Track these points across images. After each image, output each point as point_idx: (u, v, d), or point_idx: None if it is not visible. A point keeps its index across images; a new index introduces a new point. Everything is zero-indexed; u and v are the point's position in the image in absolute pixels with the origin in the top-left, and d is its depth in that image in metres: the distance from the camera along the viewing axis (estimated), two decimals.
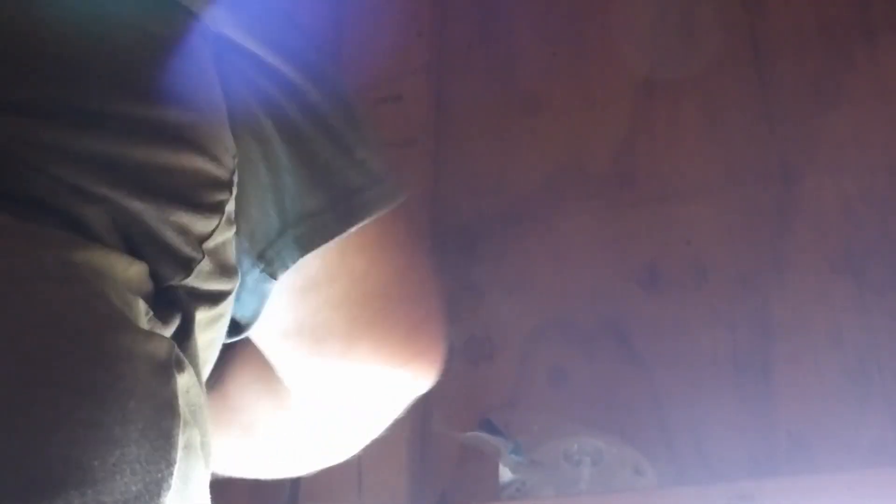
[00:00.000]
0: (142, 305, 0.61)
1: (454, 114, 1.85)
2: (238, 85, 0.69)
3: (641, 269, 1.62)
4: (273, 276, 0.72)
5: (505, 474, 1.45)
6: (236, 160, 0.68)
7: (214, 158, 0.65)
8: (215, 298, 0.66)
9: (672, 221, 1.64)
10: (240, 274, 0.70)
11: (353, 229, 0.72)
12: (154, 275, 0.62)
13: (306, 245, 0.71)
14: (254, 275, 0.71)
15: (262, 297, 0.73)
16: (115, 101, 0.62)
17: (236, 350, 0.84)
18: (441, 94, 1.87)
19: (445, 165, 1.80)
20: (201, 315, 0.65)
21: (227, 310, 0.69)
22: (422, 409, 1.55)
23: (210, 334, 0.68)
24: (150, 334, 0.59)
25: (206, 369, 0.70)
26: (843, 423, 1.43)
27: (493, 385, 1.58)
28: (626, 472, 1.43)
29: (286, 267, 0.72)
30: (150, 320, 0.61)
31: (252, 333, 0.76)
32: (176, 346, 0.60)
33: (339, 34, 1.93)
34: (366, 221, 0.73)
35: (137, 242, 0.62)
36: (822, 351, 1.49)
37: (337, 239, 0.72)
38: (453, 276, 1.69)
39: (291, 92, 0.72)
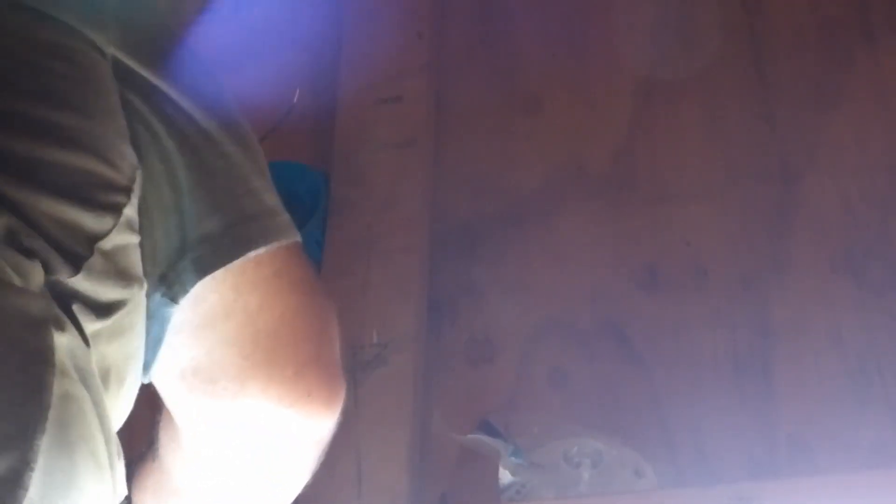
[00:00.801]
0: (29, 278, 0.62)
1: (454, 114, 1.85)
2: (140, 106, 0.73)
3: (641, 269, 1.62)
4: (174, 300, 0.74)
5: (505, 476, 1.45)
6: (139, 172, 0.71)
7: (109, 162, 0.68)
8: (109, 308, 0.68)
9: (672, 222, 1.64)
10: (144, 288, 0.71)
11: (249, 254, 0.74)
12: (44, 266, 0.63)
13: (204, 267, 0.74)
14: (155, 299, 0.73)
15: (163, 324, 0.74)
16: (7, 99, 0.65)
17: (168, 416, 0.86)
18: (441, 94, 1.87)
19: (445, 165, 1.80)
20: (95, 324, 0.66)
21: (130, 325, 0.70)
22: (422, 410, 1.55)
23: (118, 349, 0.69)
24: (24, 291, 0.61)
25: (126, 391, 0.72)
26: (844, 424, 1.43)
27: (492, 386, 1.58)
28: (626, 473, 1.43)
29: (185, 291, 0.73)
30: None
31: (154, 377, 0.78)
32: (56, 306, 0.62)
33: (339, 34, 1.92)
34: (261, 249, 0.75)
35: (23, 234, 0.63)
36: (822, 351, 1.49)
37: (233, 265, 0.74)
38: (453, 276, 1.69)
39: (191, 119, 0.75)
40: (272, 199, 0.78)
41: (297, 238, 0.79)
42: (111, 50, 0.72)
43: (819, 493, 1.32)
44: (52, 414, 0.57)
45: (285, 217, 0.78)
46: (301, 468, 0.87)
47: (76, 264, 0.65)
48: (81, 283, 0.65)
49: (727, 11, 1.77)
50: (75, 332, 0.63)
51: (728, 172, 1.65)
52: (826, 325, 1.50)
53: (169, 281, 0.73)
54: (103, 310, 0.67)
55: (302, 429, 0.82)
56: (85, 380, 0.62)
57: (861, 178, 1.58)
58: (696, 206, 1.64)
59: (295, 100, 1.84)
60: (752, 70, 1.71)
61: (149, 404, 0.83)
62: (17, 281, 0.61)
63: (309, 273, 0.82)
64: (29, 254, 0.62)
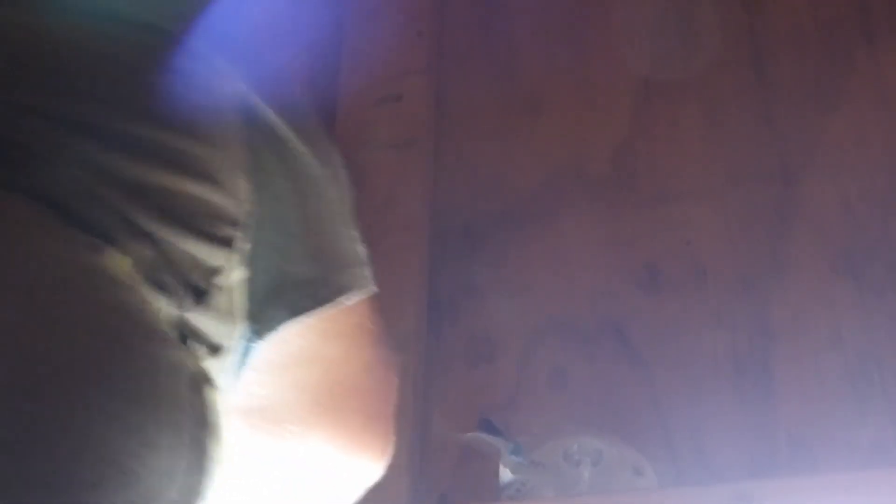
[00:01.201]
0: (172, 319, 0.62)
1: (454, 114, 1.85)
2: (261, 142, 0.73)
3: (641, 269, 1.62)
4: (260, 336, 0.74)
5: (505, 475, 1.45)
6: (251, 207, 0.71)
7: (231, 195, 0.68)
8: (219, 345, 0.68)
9: (672, 222, 1.64)
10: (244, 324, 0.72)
11: (343, 301, 0.76)
12: (174, 303, 0.64)
13: (298, 310, 0.74)
14: (237, 335, 0.73)
15: (244, 357, 0.75)
16: (144, 126, 0.65)
17: None
18: (441, 94, 1.87)
19: (445, 165, 1.80)
20: (211, 364, 0.67)
21: (231, 362, 0.71)
22: (422, 410, 1.55)
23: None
24: (183, 348, 0.61)
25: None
26: (844, 424, 1.43)
27: (493, 386, 1.58)
28: (626, 472, 1.43)
29: (274, 330, 0.74)
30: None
31: None
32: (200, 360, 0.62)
33: (339, 34, 1.93)
34: (352, 299, 0.77)
35: (161, 269, 0.63)
36: (822, 352, 1.49)
37: (325, 312, 0.75)
38: (453, 276, 1.69)
39: (305, 163, 0.76)
40: (361, 247, 0.80)
41: (375, 289, 0.81)
42: (241, 86, 0.73)
43: (819, 493, 1.32)
44: (209, 480, 0.57)
45: (368, 267, 0.80)
46: None
47: (198, 299, 0.65)
48: (200, 319, 0.65)
49: (727, 12, 1.77)
50: (216, 390, 0.63)
51: (728, 173, 1.65)
52: (826, 325, 1.50)
53: (259, 317, 0.73)
54: (215, 347, 0.67)
55: (353, 476, 0.84)
56: (224, 438, 0.62)
57: (861, 179, 1.58)
58: (696, 206, 1.64)
59: None
60: (752, 70, 1.72)
61: None
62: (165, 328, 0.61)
63: (380, 327, 0.84)
64: (162, 289, 0.62)
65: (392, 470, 1.47)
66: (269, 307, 0.73)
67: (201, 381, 0.60)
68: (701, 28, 1.78)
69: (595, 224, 1.68)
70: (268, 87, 0.75)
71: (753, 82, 1.71)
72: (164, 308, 0.62)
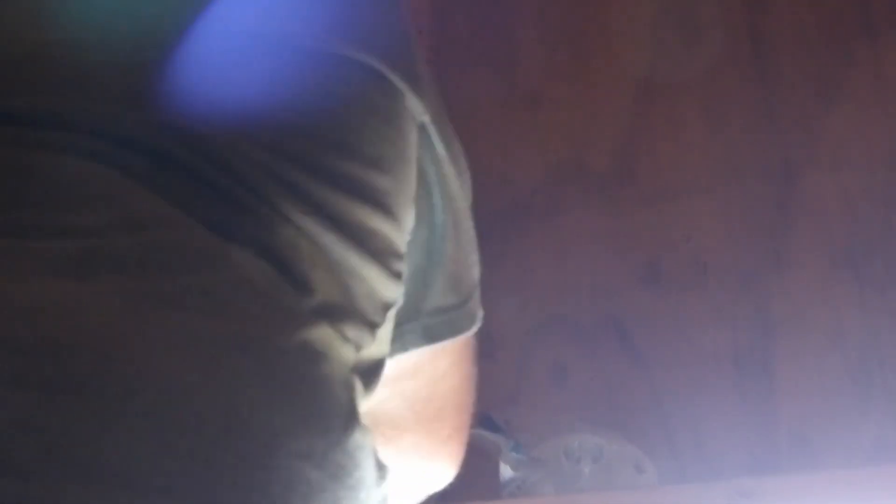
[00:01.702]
0: (358, 385, 0.63)
1: (454, 112, 1.84)
2: (432, 177, 0.75)
3: (642, 266, 1.62)
4: (391, 355, 0.75)
5: (505, 472, 1.45)
6: (411, 239, 0.72)
7: (401, 229, 0.70)
8: (378, 367, 0.69)
9: (673, 218, 1.64)
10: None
11: (473, 329, 0.80)
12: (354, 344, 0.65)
13: (434, 337, 0.77)
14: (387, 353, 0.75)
15: None
16: (341, 158, 0.66)
17: None
18: (441, 90, 1.87)
19: None
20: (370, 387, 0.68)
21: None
22: None
23: None
24: (368, 430, 0.61)
25: None
26: (844, 421, 1.43)
27: (493, 382, 1.58)
28: (627, 469, 1.43)
29: (405, 350, 0.76)
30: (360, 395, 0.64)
31: None
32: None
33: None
34: (478, 323, 0.80)
35: (340, 305, 0.64)
36: (823, 348, 1.49)
37: (456, 338, 0.78)
38: None
39: (459, 197, 0.78)
40: (478, 269, 0.83)
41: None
42: (424, 118, 0.74)
43: (820, 489, 1.31)
44: None
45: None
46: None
47: (373, 334, 0.66)
48: (371, 351, 0.67)
49: (728, 7, 1.77)
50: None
51: (729, 168, 1.65)
52: (827, 321, 1.50)
53: (393, 338, 0.74)
54: (374, 372, 0.69)
55: (429, 480, 0.87)
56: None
57: (862, 174, 1.58)
58: (697, 202, 1.64)
59: None
60: (753, 66, 1.71)
61: None
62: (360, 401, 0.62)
63: (475, 343, 0.86)
64: (348, 339, 0.63)
65: None
66: (405, 330, 0.75)
67: (384, 468, 0.62)
68: (702, 24, 1.78)
69: (596, 220, 1.68)
70: (436, 115, 0.76)
71: (754, 78, 1.71)
72: (348, 358, 0.63)
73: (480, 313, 0.82)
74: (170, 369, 0.52)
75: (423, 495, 0.89)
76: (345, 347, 0.62)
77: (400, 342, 0.75)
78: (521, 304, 1.64)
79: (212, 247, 0.59)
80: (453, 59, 1.90)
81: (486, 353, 1.61)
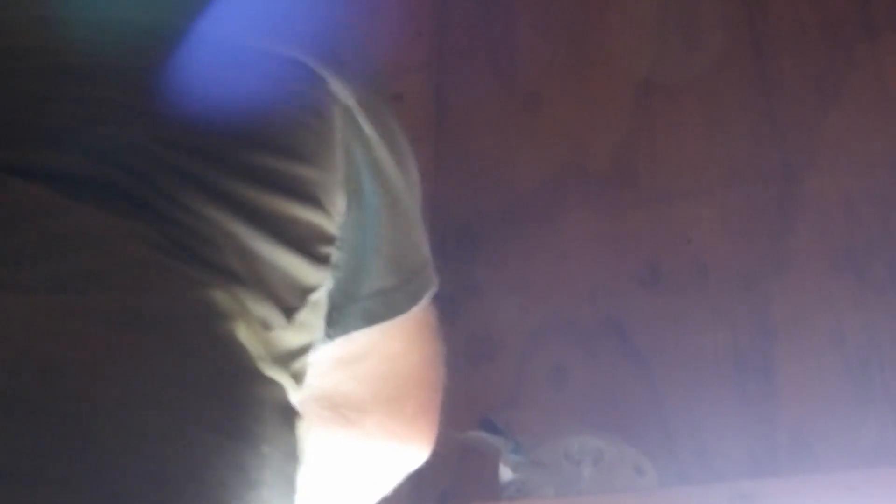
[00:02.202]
0: (264, 349, 0.63)
1: (454, 113, 1.85)
2: (360, 159, 0.75)
3: (642, 267, 1.62)
4: (330, 338, 0.75)
5: (505, 474, 1.45)
6: (344, 223, 0.73)
7: (328, 214, 0.70)
8: (302, 351, 0.69)
9: (673, 220, 1.64)
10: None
11: (415, 309, 0.79)
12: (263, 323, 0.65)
13: (373, 319, 0.77)
14: (319, 338, 0.75)
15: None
16: (258, 153, 0.67)
17: None
18: (441, 93, 1.87)
19: (446, 164, 1.80)
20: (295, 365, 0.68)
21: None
22: None
23: None
24: (274, 381, 0.61)
25: None
26: (845, 423, 1.43)
27: (493, 384, 1.58)
28: (627, 471, 1.43)
29: (346, 333, 0.76)
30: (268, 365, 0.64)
31: None
32: (287, 392, 0.62)
33: (339, 34, 1.92)
34: (423, 302, 0.80)
35: (252, 281, 0.64)
36: (823, 350, 1.49)
37: (398, 319, 0.78)
38: (453, 275, 1.69)
39: (394, 177, 0.77)
40: (427, 247, 0.83)
41: (437, 284, 0.83)
42: (349, 102, 0.74)
43: (820, 491, 1.31)
44: None
45: (432, 263, 0.83)
46: (380, 494, 0.91)
47: (289, 316, 0.66)
48: (289, 336, 0.67)
49: (728, 8, 1.76)
50: (303, 420, 0.63)
51: (729, 170, 1.65)
52: (827, 323, 1.50)
53: (332, 320, 0.74)
54: (296, 356, 0.69)
55: (398, 461, 0.87)
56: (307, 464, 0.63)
57: (862, 176, 1.58)
58: (697, 203, 1.64)
59: None
60: (753, 67, 1.71)
61: None
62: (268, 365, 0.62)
63: (435, 321, 0.86)
64: (258, 314, 0.64)
65: None
66: (345, 313, 0.75)
67: (294, 415, 0.61)
68: (702, 25, 1.78)
69: (596, 222, 1.68)
70: (364, 96, 0.76)
71: (754, 80, 1.70)
72: (259, 334, 0.63)
73: (429, 290, 0.81)
74: (46, 350, 0.53)
75: (400, 477, 0.89)
76: (246, 316, 0.62)
77: (341, 325, 0.75)
78: (520, 305, 1.64)
79: (99, 230, 0.59)
80: (453, 59, 1.90)
81: (486, 355, 1.62)
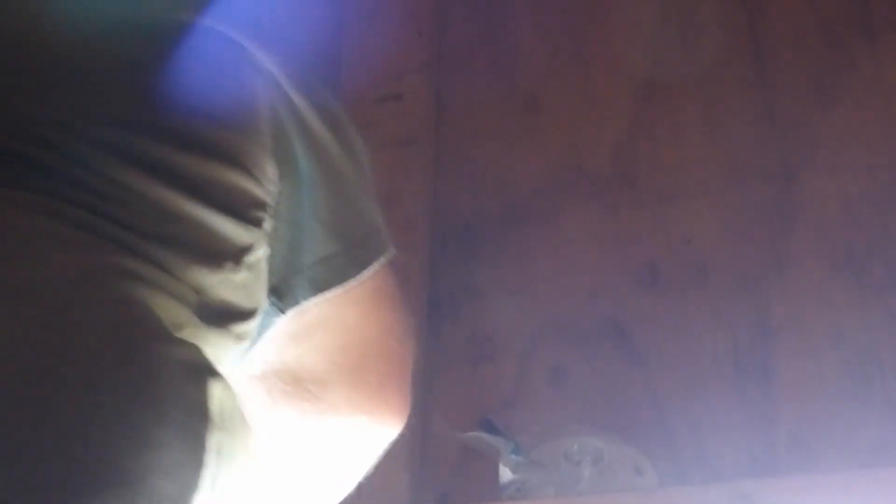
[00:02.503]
0: (184, 312, 0.63)
1: (454, 113, 1.85)
2: (288, 124, 0.75)
3: (642, 268, 1.62)
4: (282, 311, 0.76)
5: (505, 474, 1.45)
6: (279, 191, 0.73)
7: (255, 179, 0.71)
8: (245, 315, 0.70)
9: (672, 221, 1.64)
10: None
11: (363, 275, 0.79)
12: (191, 278, 0.65)
13: (320, 286, 0.77)
14: (264, 306, 0.75)
15: (262, 331, 0.76)
16: (178, 119, 0.68)
17: None
18: (441, 93, 1.87)
19: (445, 165, 1.80)
20: (239, 328, 0.69)
21: (249, 335, 0.72)
22: (422, 410, 1.55)
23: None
24: (182, 341, 0.61)
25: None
26: (844, 423, 1.43)
27: (493, 385, 1.58)
28: (627, 471, 1.43)
29: (297, 303, 0.76)
30: (194, 326, 0.64)
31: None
32: (203, 352, 0.62)
33: (340, 33, 1.92)
34: (372, 268, 0.79)
35: (176, 242, 0.65)
36: (822, 350, 1.49)
37: (346, 285, 0.78)
38: (453, 276, 1.69)
39: (326, 141, 0.78)
40: (378, 214, 0.83)
41: (393, 252, 0.83)
42: (274, 71, 0.75)
43: (819, 491, 1.32)
44: (207, 471, 0.57)
45: (385, 231, 0.83)
46: (357, 472, 0.90)
47: (222, 274, 0.67)
48: (226, 294, 0.67)
49: (727, 11, 1.76)
50: (224, 380, 0.63)
51: (728, 171, 1.65)
52: (826, 323, 1.50)
53: (281, 292, 0.75)
54: (244, 315, 0.69)
55: (370, 435, 0.86)
56: (231, 423, 0.62)
57: (861, 177, 1.58)
58: (697, 204, 1.64)
59: None
60: (753, 68, 1.71)
61: None
62: (187, 327, 0.62)
63: (397, 289, 0.86)
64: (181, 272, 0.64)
65: (392, 470, 1.48)
66: (292, 284, 0.76)
67: (204, 373, 0.60)
68: (701, 26, 1.78)
69: (595, 223, 1.68)
70: (291, 69, 0.77)
71: (753, 80, 1.71)
72: (180, 292, 0.63)
73: (379, 257, 0.81)
74: None
75: (374, 455, 0.88)
76: (157, 278, 0.62)
77: (291, 297, 0.76)
78: (520, 306, 1.64)
79: None
80: (453, 61, 1.90)
81: (485, 355, 1.62)
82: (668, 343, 1.55)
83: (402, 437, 1.48)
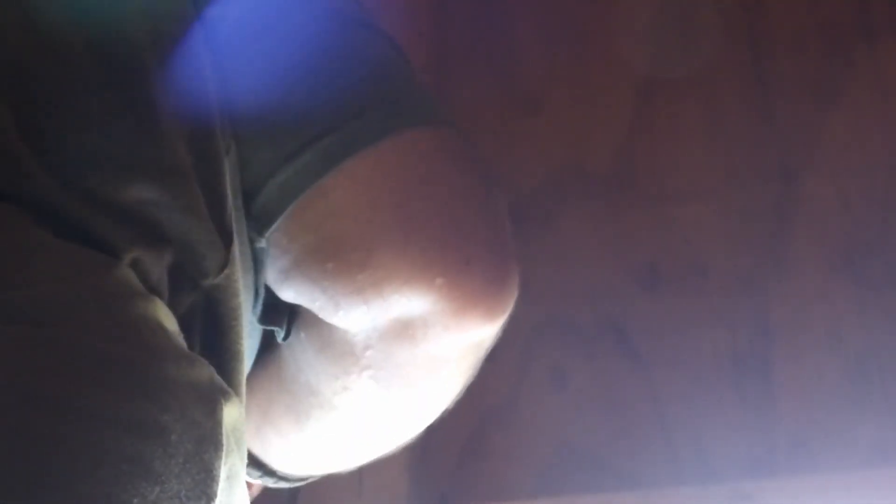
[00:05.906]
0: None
1: (454, 113, 1.84)
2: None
3: (641, 268, 1.62)
4: (297, 195, 0.68)
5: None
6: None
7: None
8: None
9: (672, 221, 1.64)
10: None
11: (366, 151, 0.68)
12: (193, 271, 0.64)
13: (290, 192, 0.69)
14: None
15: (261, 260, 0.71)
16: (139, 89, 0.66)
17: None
18: (441, 93, 1.87)
19: None
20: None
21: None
22: None
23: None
24: (193, 360, 0.58)
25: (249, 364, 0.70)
26: (843, 423, 1.43)
27: (492, 385, 1.58)
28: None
29: (272, 225, 0.70)
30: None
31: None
32: (213, 371, 0.59)
33: None
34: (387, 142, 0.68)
35: (170, 237, 0.63)
36: (821, 351, 1.49)
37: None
38: None
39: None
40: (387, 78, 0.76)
41: (446, 120, 0.72)
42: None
43: (819, 492, 1.32)
44: (219, 499, 0.55)
45: (414, 94, 0.74)
46: (451, 380, 0.75)
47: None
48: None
49: (727, 11, 1.76)
50: (236, 399, 0.59)
51: (728, 171, 1.65)
52: (826, 323, 1.50)
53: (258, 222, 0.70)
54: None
55: (449, 318, 0.69)
56: (239, 442, 0.60)
57: (861, 177, 1.58)
58: (696, 204, 1.64)
59: None
60: (752, 69, 1.71)
61: None
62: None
63: (478, 160, 0.71)
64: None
65: (392, 470, 1.48)
66: (298, 165, 0.68)
67: (216, 395, 0.57)
68: (701, 27, 1.78)
69: (595, 223, 1.68)
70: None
71: (753, 81, 1.71)
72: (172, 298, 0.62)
73: (399, 124, 0.69)
74: None
75: (463, 350, 0.69)
76: (160, 284, 0.60)
77: (304, 174, 0.67)
78: (519, 306, 1.63)
79: None
80: (453, 61, 1.90)
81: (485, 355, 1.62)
82: (667, 343, 1.55)
83: None
